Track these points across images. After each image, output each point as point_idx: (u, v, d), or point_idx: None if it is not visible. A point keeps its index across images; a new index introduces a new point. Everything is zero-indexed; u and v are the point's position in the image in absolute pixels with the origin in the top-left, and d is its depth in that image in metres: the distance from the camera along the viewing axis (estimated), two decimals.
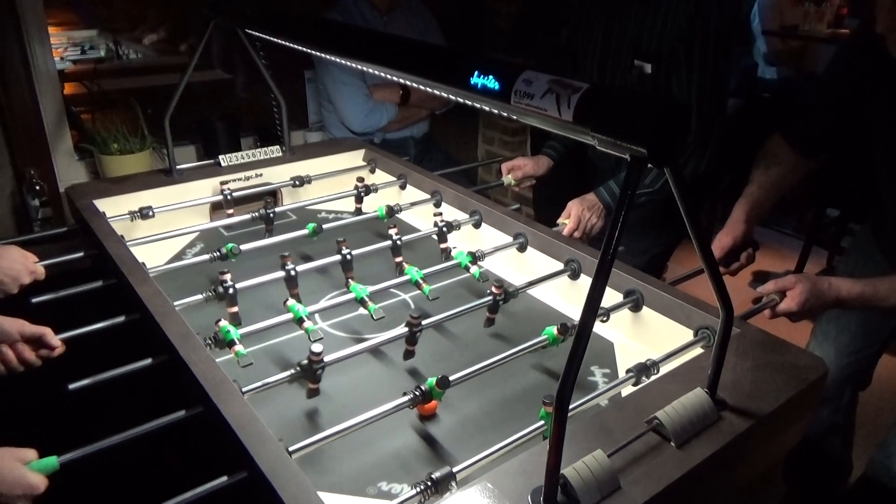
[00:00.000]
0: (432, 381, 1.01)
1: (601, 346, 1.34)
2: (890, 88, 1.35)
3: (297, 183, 1.88)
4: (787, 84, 3.95)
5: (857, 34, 1.48)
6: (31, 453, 0.89)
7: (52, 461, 0.90)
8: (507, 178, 1.95)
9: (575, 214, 1.72)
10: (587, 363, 1.27)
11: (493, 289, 1.29)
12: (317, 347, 1.05)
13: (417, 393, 1.00)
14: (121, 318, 1.23)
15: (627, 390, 1.07)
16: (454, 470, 0.87)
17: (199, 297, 1.27)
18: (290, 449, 0.89)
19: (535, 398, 1.17)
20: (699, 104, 1.69)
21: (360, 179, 1.85)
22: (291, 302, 1.20)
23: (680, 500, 0.87)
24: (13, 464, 0.87)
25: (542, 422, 0.98)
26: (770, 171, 1.58)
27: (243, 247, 1.45)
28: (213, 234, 1.75)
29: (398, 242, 1.49)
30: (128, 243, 1.44)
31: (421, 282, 1.34)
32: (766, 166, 1.59)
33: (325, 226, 1.58)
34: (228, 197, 1.75)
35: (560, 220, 1.73)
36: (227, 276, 1.27)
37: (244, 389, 1.00)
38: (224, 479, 0.86)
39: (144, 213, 1.63)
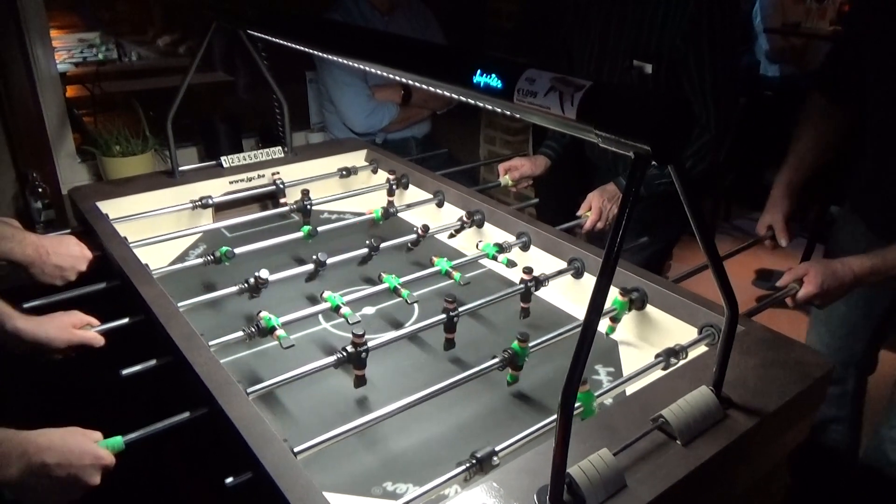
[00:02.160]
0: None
1: (605, 344, 1.33)
2: None
3: (344, 174, 1.95)
4: (789, 82, 3.94)
5: None
6: (97, 434, 0.92)
7: (118, 441, 0.92)
8: (505, 179, 1.95)
9: (596, 206, 1.72)
10: (591, 362, 1.26)
11: (523, 275, 1.30)
12: (358, 329, 1.07)
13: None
14: (125, 320, 1.23)
15: (632, 389, 1.07)
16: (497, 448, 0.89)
17: (234, 288, 1.30)
18: (296, 449, 0.89)
19: (541, 397, 1.17)
20: (715, 102, 1.68)
21: (392, 172, 1.88)
22: (328, 293, 1.24)
23: (686, 499, 0.87)
24: (81, 437, 0.90)
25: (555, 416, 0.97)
26: (809, 132, 1.57)
27: (242, 249, 1.45)
28: (216, 236, 1.75)
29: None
30: (131, 245, 1.44)
31: (451, 270, 1.38)
32: (805, 129, 1.58)
33: (319, 228, 1.58)
34: (281, 185, 1.82)
35: (581, 213, 1.73)
36: (264, 272, 1.31)
37: (249, 390, 1.00)
38: (230, 479, 0.86)
39: (205, 203, 1.70)
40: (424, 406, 1.02)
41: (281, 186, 1.84)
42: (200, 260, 1.43)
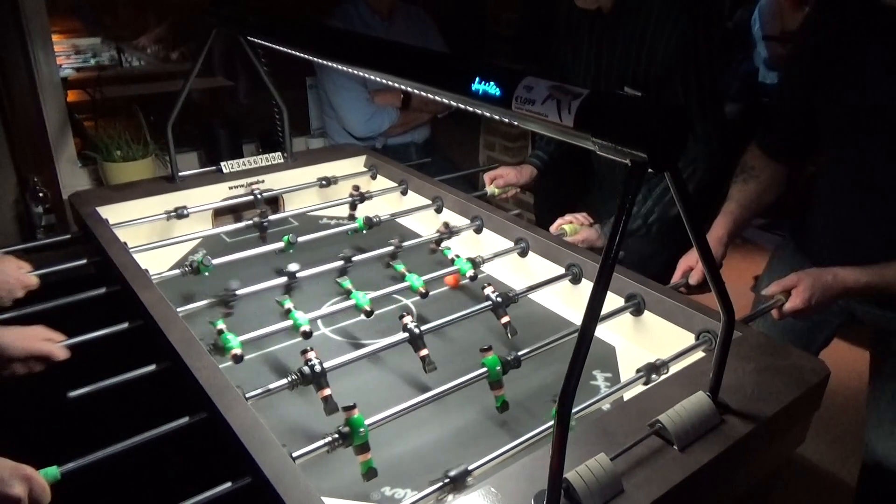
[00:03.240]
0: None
1: (603, 350, 1.34)
2: (880, 36, 1.29)
3: (325, 183, 1.93)
4: None
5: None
6: (29, 469, 0.87)
7: (53, 471, 0.88)
8: (491, 188, 1.95)
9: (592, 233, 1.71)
10: (589, 367, 1.27)
11: (488, 290, 1.30)
12: (310, 355, 1.05)
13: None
14: (124, 325, 1.23)
15: (629, 394, 1.08)
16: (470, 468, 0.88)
17: (204, 302, 1.27)
18: (294, 454, 0.89)
19: (538, 402, 1.18)
20: (704, 120, 1.68)
21: (356, 188, 1.85)
22: (290, 308, 1.21)
23: None
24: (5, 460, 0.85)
25: (551, 422, 0.97)
26: (748, 185, 1.55)
27: (230, 258, 1.45)
28: (216, 241, 1.75)
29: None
30: (131, 250, 1.44)
31: (419, 286, 1.36)
32: (744, 181, 1.56)
33: (300, 238, 1.55)
34: (259, 196, 1.78)
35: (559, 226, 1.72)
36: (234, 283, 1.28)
37: (248, 395, 1.00)
38: (228, 484, 0.87)
39: (180, 214, 1.68)
40: (423, 411, 1.03)
41: (259, 197, 1.79)
42: (177, 272, 1.41)
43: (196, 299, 1.32)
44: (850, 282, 1.28)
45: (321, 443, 0.92)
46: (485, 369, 1.08)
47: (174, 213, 1.69)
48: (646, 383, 1.08)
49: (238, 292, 1.30)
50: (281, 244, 1.52)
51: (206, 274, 1.41)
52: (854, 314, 1.55)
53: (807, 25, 1.50)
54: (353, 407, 0.94)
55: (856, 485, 1.59)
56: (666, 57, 1.63)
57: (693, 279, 1.42)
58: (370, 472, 0.95)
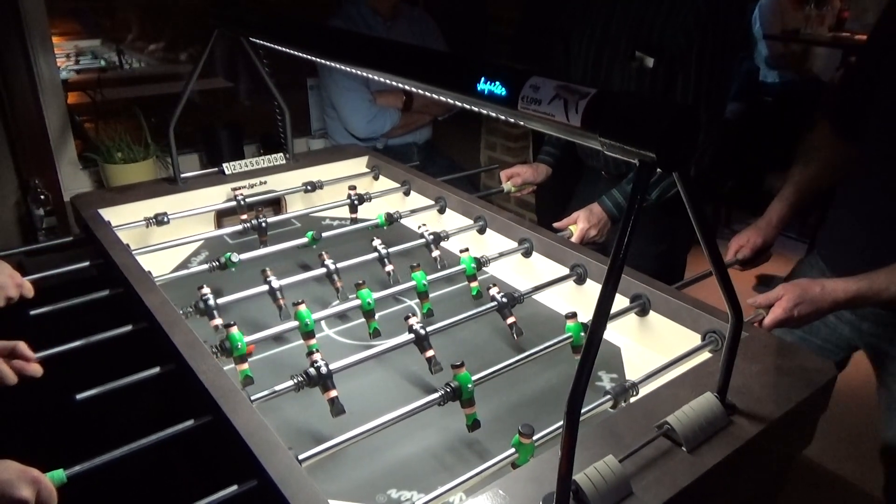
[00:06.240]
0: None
1: (608, 351, 1.33)
2: None
3: (309, 188, 1.90)
4: (788, 87, 3.95)
5: None
6: (36, 471, 0.86)
7: (59, 474, 0.88)
8: (507, 186, 1.96)
9: (581, 228, 1.70)
10: (595, 368, 1.25)
11: (494, 292, 1.29)
12: (316, 356, 1.05)
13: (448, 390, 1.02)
14: (128, 328, 1.23)
15: (635, 396, 1.07)
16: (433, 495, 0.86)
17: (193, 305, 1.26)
18: (300, 457, 0.89)
19: (544, 404, 1.17)
20: (708, 107, 1.67)
21: (353, 188, 1.85)
22: (302, 309, 1.20)
23: None
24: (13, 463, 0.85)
25: (559, 423, 0.96)
26: (809, 168, 1.53)
27: (247, 255, 1.45)
28: (219, 243, 1.75)
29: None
30: (133, 252, 1.44)
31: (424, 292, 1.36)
32: (806, 163, 1.54)
33: (324, 234, 1.57)
34: (242, 202, 1.76)
35: (562, 226, 1.72)
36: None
37: (253, 398, 1.00)
38: (234, 488, 0.86)
39: (160, 220, 1.65)
40: (429, 413, 1.02)
41: (242, 204, 1.77)
42: (205, 266, 1.43)
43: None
44: (839, 292, 1.26)
45: (329, 444, 0.92)
46: (490, 370, 1.08)
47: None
48: (613, 407, 1.04)
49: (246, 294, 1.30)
50: (304, 240, 1.54)
51: (233, 269, 1.42)
52: (857, 346, 1.55)
53: (880, 21, 1.44)
54: (462, 365, 1.03)
55: (883, 484, 1.56)
56: (681, 26, 1.61)
57: (741, 255, 1.55)
58: (475, 424, 1.05)
